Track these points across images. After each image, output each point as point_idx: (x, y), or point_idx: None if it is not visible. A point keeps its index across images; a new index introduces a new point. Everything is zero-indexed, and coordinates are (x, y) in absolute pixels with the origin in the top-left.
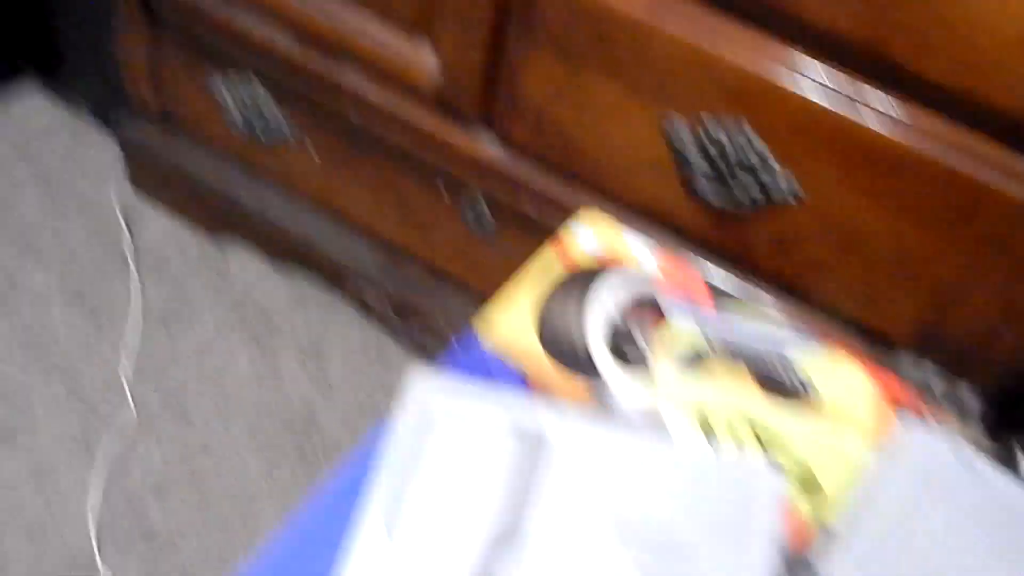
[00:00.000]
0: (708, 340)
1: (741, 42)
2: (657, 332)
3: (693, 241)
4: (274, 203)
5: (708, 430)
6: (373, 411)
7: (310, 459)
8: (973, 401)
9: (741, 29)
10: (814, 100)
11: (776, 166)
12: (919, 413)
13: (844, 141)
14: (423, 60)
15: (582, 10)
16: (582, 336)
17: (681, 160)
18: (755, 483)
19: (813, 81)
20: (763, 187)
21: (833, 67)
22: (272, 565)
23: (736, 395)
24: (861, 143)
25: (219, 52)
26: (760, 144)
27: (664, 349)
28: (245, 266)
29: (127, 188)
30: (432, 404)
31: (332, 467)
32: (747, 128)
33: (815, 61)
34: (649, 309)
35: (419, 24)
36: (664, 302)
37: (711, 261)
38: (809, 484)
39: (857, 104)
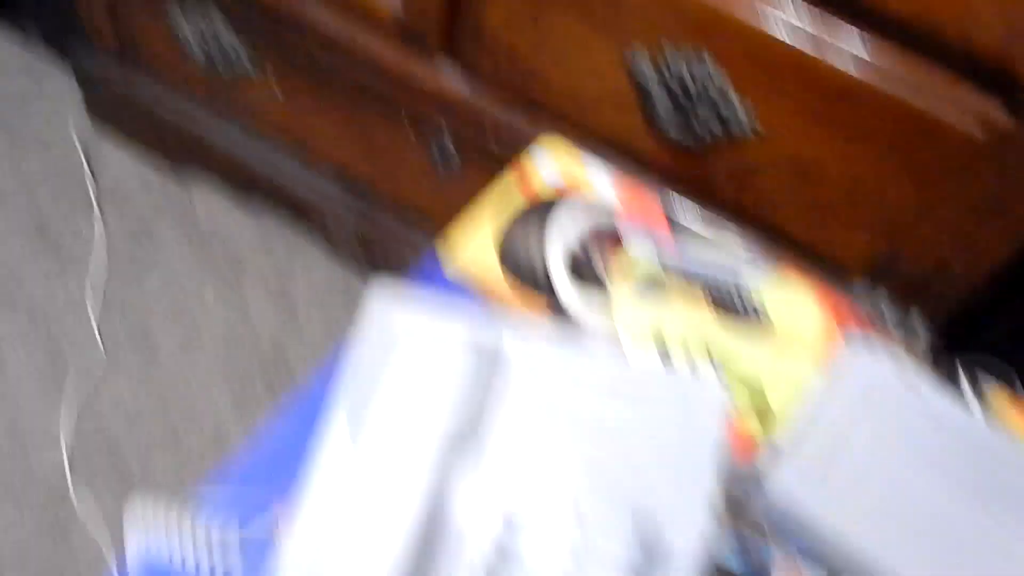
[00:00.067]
0: (665, 267)
1: None
2: (615, 259)
3: (654, 172)
4: (238, 138)
5: (663, 351)
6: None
7: (279, 394)
8: (922, 329)
9: None
10: (772, 33)
11: (735, 100)
12: (866, 336)
13: (802, 74)
14: None
15: None
16: (542, 262)
17: (643, 93)
18: (703, 395)
19: (773, 13)
20: (723, 121)
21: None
22: (242, 474)
23: (691, 319)
24: (818, 76)
25: None
26: (721, 78)
27: (622, 276)
28: (210, 203)
29: (86, 123)
30: (393, 316)
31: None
32: (708, 61)
33: None
34: (608, 237)
35: None
36: (623, 230)
37: (671, 191)
38: (758, 403)
39: (815, 37)
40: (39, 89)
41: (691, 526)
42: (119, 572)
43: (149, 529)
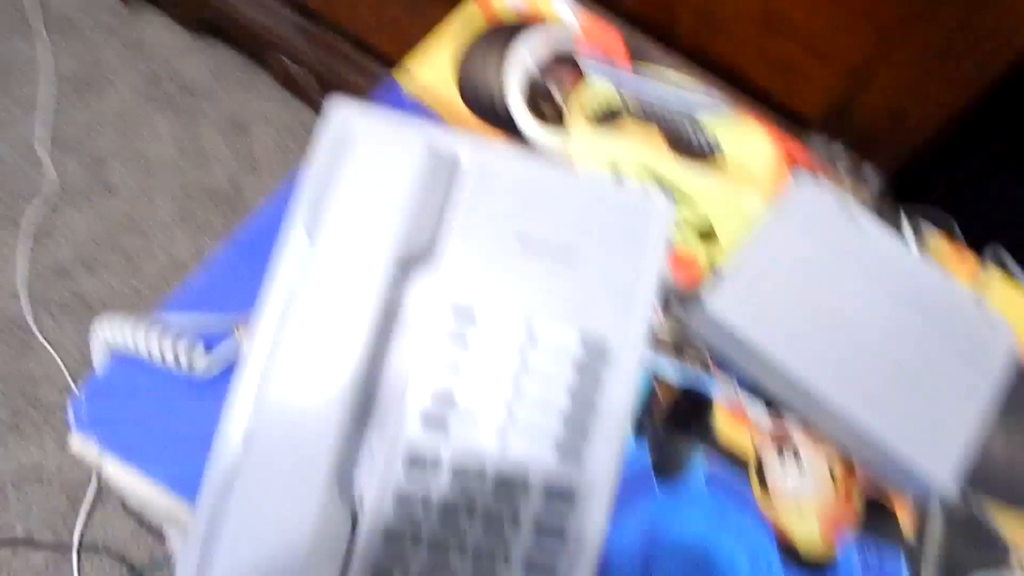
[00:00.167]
0: (623, 99)
1: None
2: (574, 89)
3: (619, 9)
4: None
5: (617, 177)
6: None
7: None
8: (875, 179)
9: None
10: None
11: None
12: (815, 175)
13: None
14: None
15: None
16: (500, 89)
17: None
18: (651, 208)
19: None
20: None
21: None
22: (208, 282)
23: (646, 151)
24: None
25: None
26: None
27: (580, 106)
28: (161, 36)
29: None
30: (352, 125)
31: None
32: None
33: None
34: (567, 66)
35: None
36: (582, 60)
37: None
38: (707, 234)
39: None
40: None
41: (632, 330)
42: (87, 377)
43: (116, 334)
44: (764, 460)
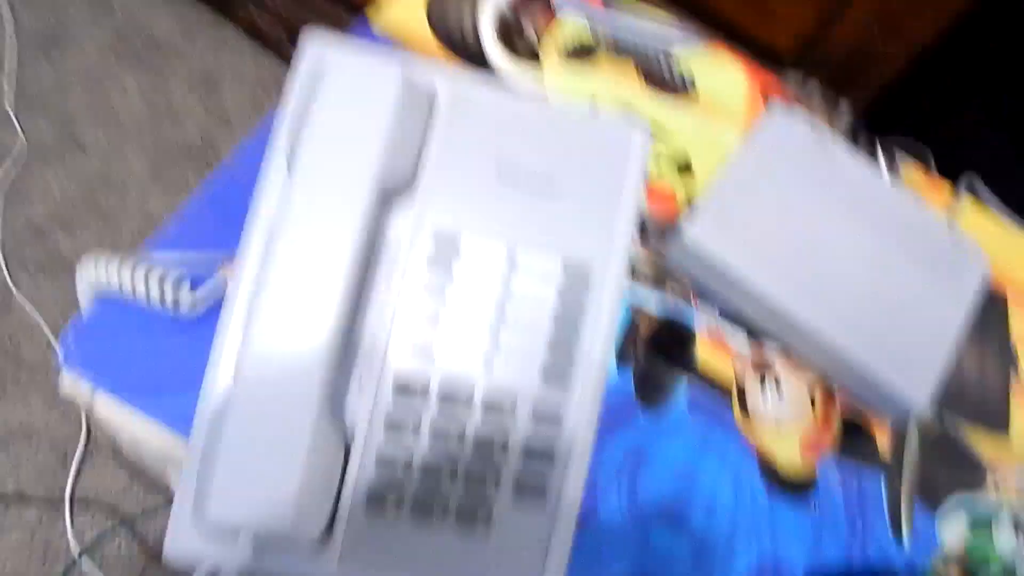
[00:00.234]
0: (596, 35)
1: None
2: (547, 25)
3: None
4: None
5: (594, 107)
6: None
7: None
8: (849, 113)
9: None
10: None
11: None
12: (789, 106)
13: None
14: None
15: None
16: (473, 26)
17: None
18: (628, 135)
19: None
20: None
21: None
22: (190, 223)
23: (621, 86)
24: None
25: None
26: None
27: (553, 42)
28: None
29: None
30: (328, 56)
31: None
32: None
33: None
34: (540, 2)
35: None
36: None
37: None
38: (684, 168)
39: None
40: None
41: (614, 256)
42: (74, 318)
43: (102, 274)
44: (745, 387)
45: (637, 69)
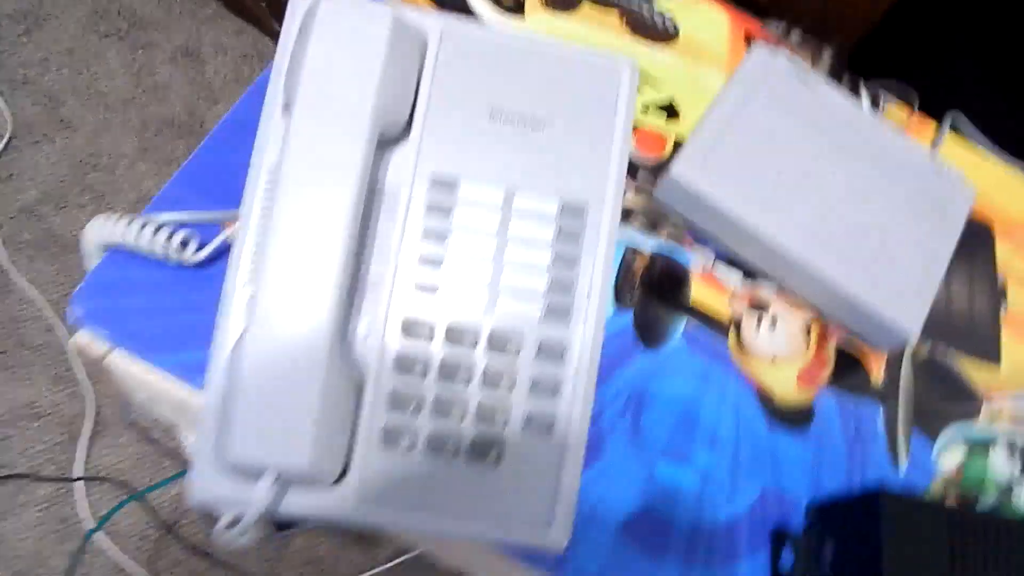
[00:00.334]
0: None
1: None
2: None
3: None
4: None
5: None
6: None
7: None
8: (831, 59)
9: None
10: None
11: None
12: (771, 46)
13: None
14: None
15: None
16: None
17: None
18: (617, 72)
19: None
20: None
21: None
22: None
23: (606, 34)
24: None
25: None
26: None
27: None
28: None
29: None
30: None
31: None
32: None
33: None
34: None
35: None
36: None
37: None
38: (671, 113)
39: None
40: None
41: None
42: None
43: (110, 228)
44: (742, 324)
45: (621, 17)
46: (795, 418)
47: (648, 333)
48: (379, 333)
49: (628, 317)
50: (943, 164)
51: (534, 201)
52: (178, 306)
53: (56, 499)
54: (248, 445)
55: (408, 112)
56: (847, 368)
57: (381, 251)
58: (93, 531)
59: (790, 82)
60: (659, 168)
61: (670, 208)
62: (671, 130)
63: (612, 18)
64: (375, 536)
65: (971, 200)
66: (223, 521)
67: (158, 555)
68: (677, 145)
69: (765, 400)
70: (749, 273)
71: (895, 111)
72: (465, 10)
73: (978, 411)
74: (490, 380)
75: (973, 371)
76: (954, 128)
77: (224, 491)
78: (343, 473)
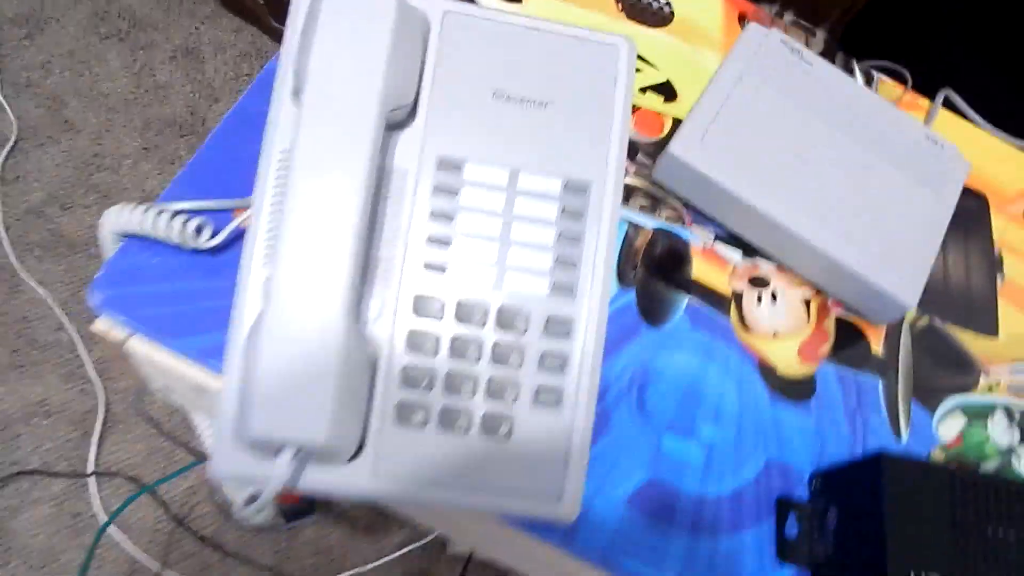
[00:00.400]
0: None
1: None
2: None
3: None
4: None
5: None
6: None
7: None
8: (824, 40)
9: None
10: None
11: None
12: (766, 26)
13: None
14: None
15: None
16: None
17: None
18: (615, 51)
19: None
20: None
21: None
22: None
23: (602, 19)
24: None
25: None
26: None
27: None
28: None
29: None
30: None
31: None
32: None
33: None
34: None
35: None
36: None
37: None
38: (669, 95)
39: None
40: None
41: (611, 170)
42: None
43: (126, 217)
44: (743, 300)
45: (617, 2)
46: (797, 391)
47: (651, 311)
48: (391, 312)
49: (631, 296)
50: (937, 138)
51: (538, 180)
52: (194, 291)
53: (69, 494)
54: (268, 422)
55: (414, 95)
56: (847, 341)
57: (390, 232)
58: (106, 525)
59: (785, 60)
60: (658, 148)
61: (669, 187)
62: (669, 111)
63: (608, 2)
64: (385, 522)
65: (966, 172)
66: (243, 496)
67: (170, 547)
68: (675, 125)
69: (767, 374)
70: (749, 250)
71: (888, 89)
72: None
73: (976, 382)
74: (499, 356)
75: (971, 342)
76: (947, 105)
77: (245, 468)
78: (358, 450)
